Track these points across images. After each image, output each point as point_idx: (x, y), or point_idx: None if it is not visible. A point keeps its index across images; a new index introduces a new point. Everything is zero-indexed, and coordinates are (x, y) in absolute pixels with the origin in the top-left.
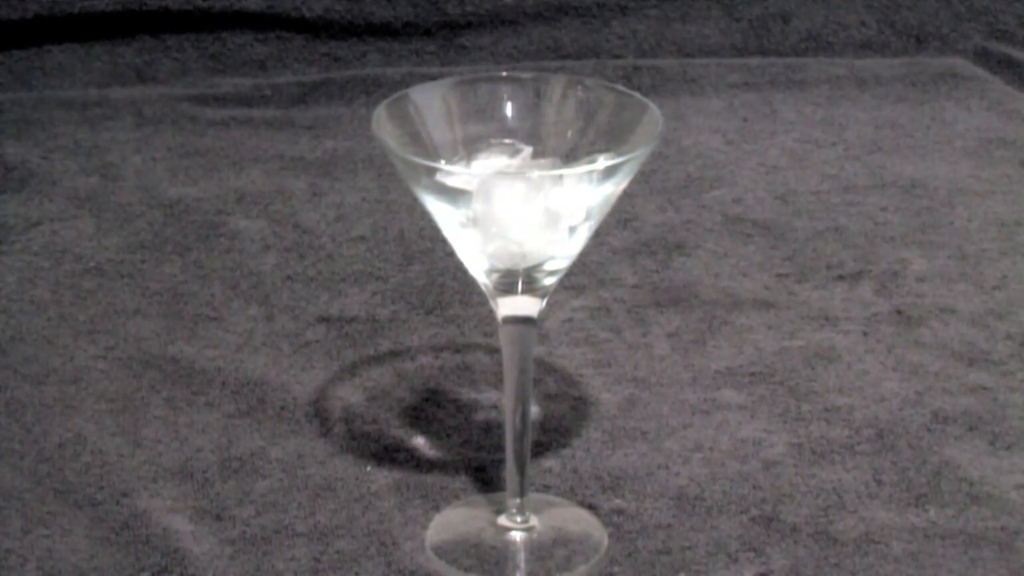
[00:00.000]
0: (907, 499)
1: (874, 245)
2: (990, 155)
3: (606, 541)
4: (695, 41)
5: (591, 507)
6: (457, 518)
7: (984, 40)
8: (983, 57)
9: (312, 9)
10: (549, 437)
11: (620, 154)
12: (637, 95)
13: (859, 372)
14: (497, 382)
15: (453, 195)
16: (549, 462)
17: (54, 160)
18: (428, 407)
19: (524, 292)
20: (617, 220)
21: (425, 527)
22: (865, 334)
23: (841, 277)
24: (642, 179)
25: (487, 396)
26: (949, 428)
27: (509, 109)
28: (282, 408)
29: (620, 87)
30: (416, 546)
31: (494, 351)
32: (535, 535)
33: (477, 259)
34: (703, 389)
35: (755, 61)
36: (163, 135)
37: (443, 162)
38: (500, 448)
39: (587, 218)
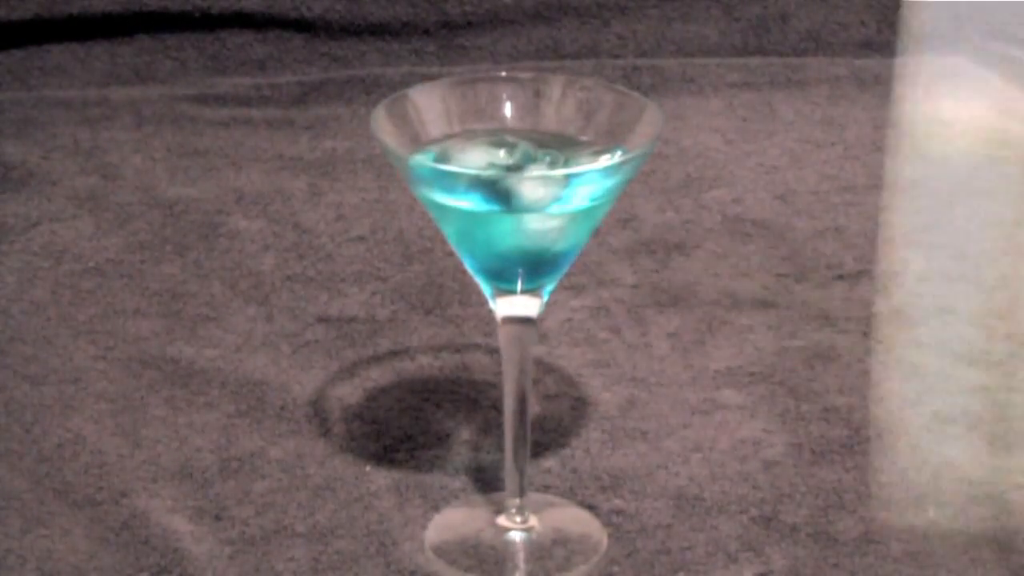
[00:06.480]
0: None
1: (874, 245)
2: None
3: (605, 541)
4: (695, 41)
5: (591, 507)
6: (456, 518)
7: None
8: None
9: (312, 9)
10: (549, 437)
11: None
12: (637, 94)
13: (859, 372)
14: (497, 382)
15: (453, 195)
16: (549, 462)
17: (54, 160)
18: (428, 407)
19: (524, 292)
20: (617, 220)
21: (424, 527)
22: (865, 334)
23: (841, 277)
24: (642, 179)
25: (487, 396)
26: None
27: (509, 109)
28: (282, 408)
29: (620, 87)
30: (415, 546)
31: (494, 351)
32: (534, 535)
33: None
34: (703, 389)
35: (755, 61)
36: (163, 135)
37: (443, 162)
38: (500, 448)
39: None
